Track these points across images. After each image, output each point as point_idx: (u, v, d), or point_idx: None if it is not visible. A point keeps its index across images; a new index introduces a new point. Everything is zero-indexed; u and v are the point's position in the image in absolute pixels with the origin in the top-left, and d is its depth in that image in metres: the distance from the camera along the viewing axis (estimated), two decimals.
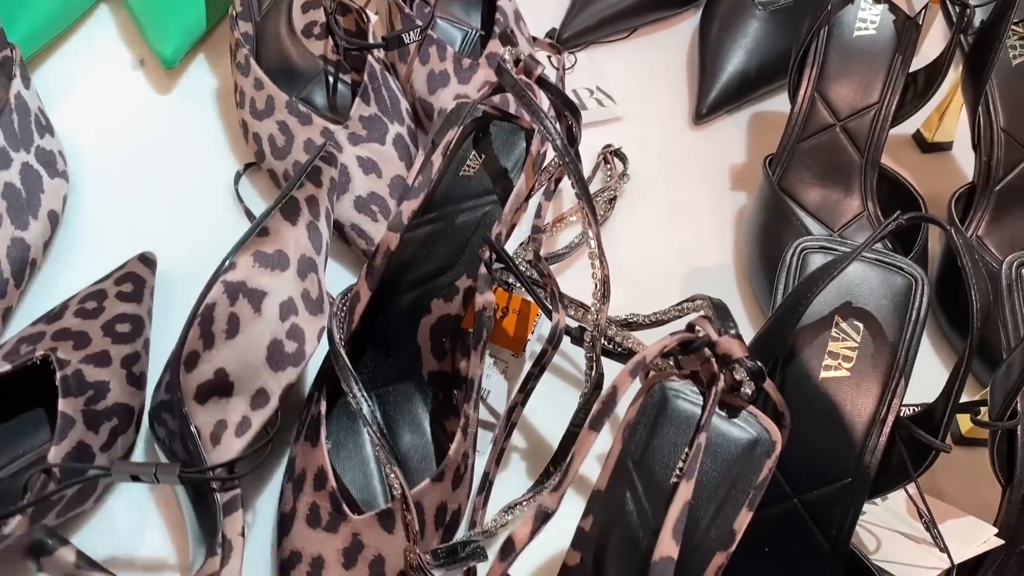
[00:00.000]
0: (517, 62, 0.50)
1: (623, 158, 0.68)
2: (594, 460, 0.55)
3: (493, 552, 0.40)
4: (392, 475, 0.47)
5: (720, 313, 0.44)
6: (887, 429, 0.47)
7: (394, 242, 0.50)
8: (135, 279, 0.58)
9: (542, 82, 0.51)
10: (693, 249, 0.65)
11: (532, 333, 0.56)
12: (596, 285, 0.49)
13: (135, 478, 0.45)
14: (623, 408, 0.42)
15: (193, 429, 0.47)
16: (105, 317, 0.54)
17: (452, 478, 0.48)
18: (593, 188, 0.67)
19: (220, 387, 0.47)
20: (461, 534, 0.51)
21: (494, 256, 0.49)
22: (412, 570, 0.46)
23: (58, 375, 0.48)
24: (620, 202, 0.67)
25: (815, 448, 0.48)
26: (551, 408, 0.56)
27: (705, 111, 0.72)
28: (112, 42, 0.73)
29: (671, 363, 0.43)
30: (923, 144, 0.74)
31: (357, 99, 0.63)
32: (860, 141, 0.63)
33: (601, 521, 0.42)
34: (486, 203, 0.52)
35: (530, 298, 0.50)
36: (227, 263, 0.48)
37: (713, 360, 0.41)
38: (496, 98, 0.54)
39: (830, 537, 0.47)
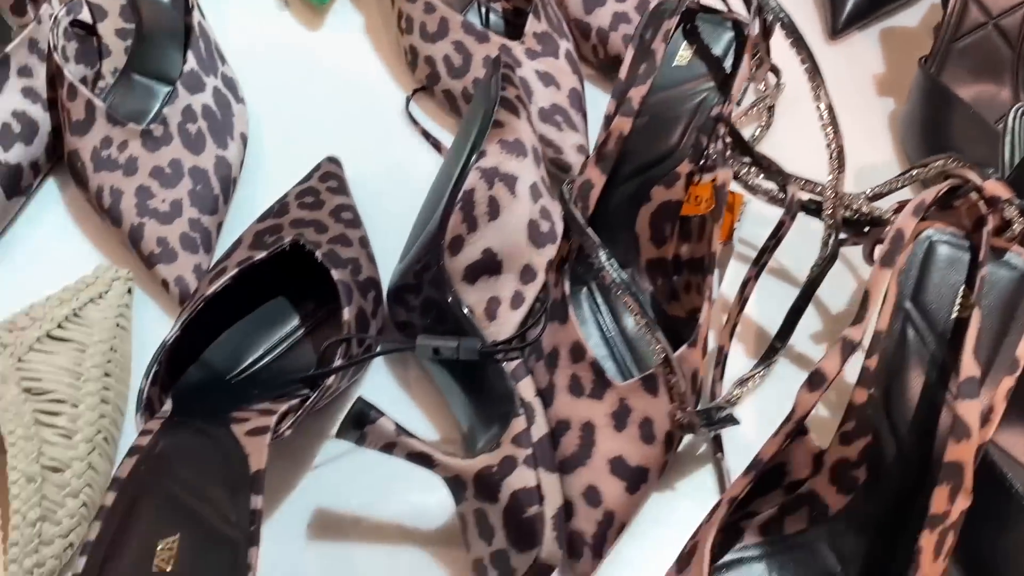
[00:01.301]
0: None
1: (776, 70, 0.70)
2: (808, 339, 0.57)
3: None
4: (655, 340, 0.48)
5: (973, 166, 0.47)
6: None
7: (627, 127, 0.52)
8: (334, 176, 0.60)
9: None
10: (853, 153, 0.67)
11: (739, 220, 0.58)
12: (831, 154, 0.51)
13: (435, 351, 0.46)
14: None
15: (465, 309, 0.48)
16: (328, 207, 0.56)
17: (701, 346, 0.50)
18: (748, 100, 0.70)
19: (489, 266, 0.49)
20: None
21: (726, 134, 0.51)
22: (679, 430, 0.49)
23: (319, 252, 0.50)
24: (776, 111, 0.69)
25: None
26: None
27: (840, 26, 0.74)
28: None
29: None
30: None
31: (530, 17, 0.65)
32: (1012, 37, 0.66)
33: (886, 358, 0.44)
34: (702, 90, 0.54)
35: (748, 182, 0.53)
36: (475, 152, 0.50)
37: (981, 203, 0.44)
38: None
39: None
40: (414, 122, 0.67)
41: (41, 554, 0.43)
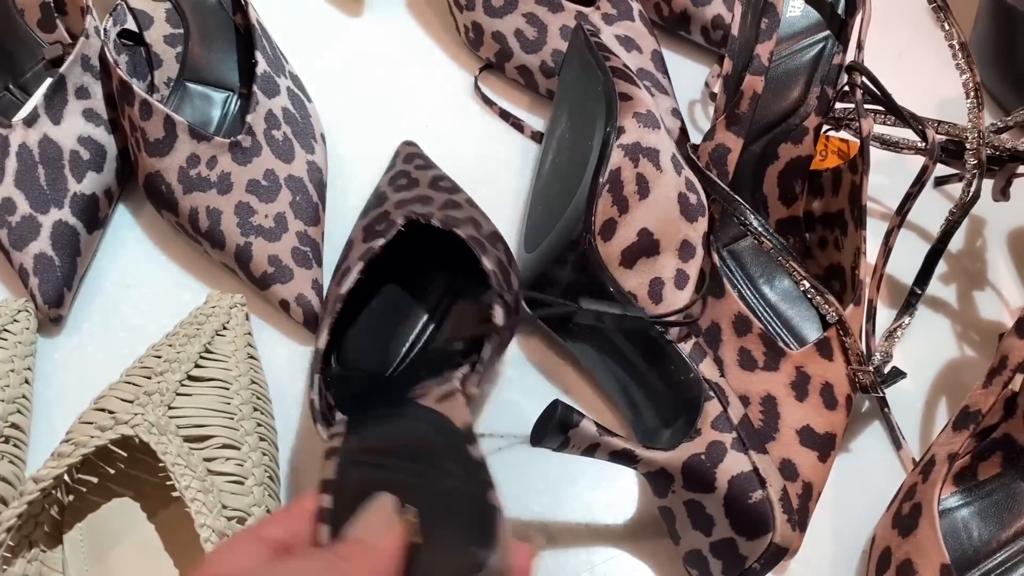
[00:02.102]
0: None
1: None
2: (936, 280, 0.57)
3: None
4: (825, 303, 0.47)
5: None
6: None
7: (759, 85, 0.50)
8: (418, 156, 0.58)
9: None
10: (931, 84, 0.67)
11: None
12: (968, 92, 0.50)
13: (598, 317, 0.44)
14: None
15: (628, 293, 0.46)
16: (424, 182, 0.53)
17: (865, 304, 0.49)
18: None
19: (646, 247, 0.47)
20: None
21: (861, 83, 0.50)
22: (860, 391, 0.48)
23: (434, 220, 0.47)
24: None
25: None
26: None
27: None
28: None
29: None
30: None
31: None
32: None
33: None
34: (819, 39, 0.53)
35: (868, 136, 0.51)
36: (612, 130, 0.47)
37: None
38: None
39: None
40: (488, 102, 0.64)
41: None
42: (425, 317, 0.51)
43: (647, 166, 0.47)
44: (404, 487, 0.35)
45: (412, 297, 0.51)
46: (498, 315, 0.43)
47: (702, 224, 0.48)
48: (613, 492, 0.49)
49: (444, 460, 0.37)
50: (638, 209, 0.46)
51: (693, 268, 0.47)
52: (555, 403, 0.40)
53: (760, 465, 0.41)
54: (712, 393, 0.43)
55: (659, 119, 0.49)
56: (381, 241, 0.46)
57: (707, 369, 0.44)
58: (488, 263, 0.44)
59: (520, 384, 0.51)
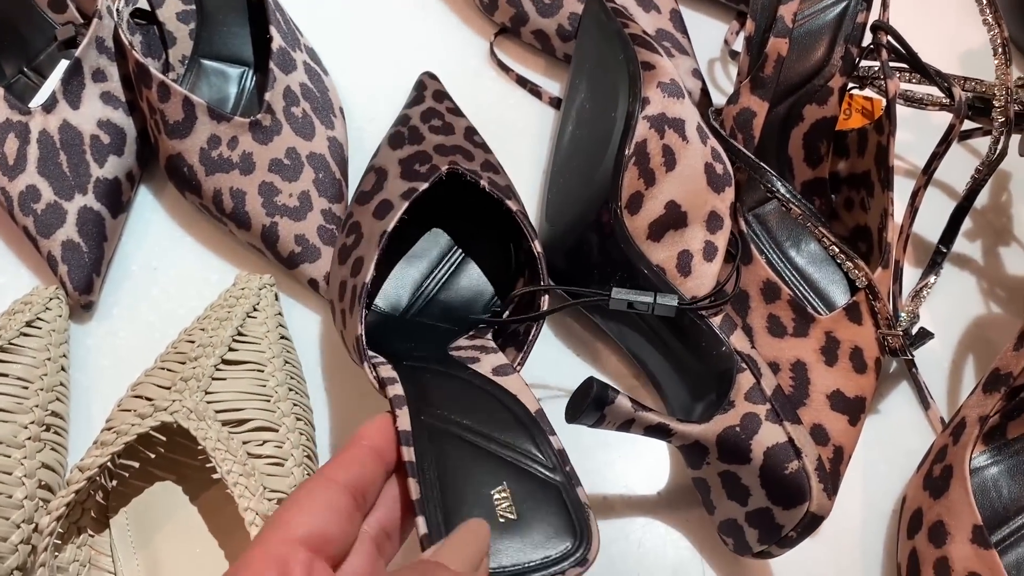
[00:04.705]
0: None
1: None
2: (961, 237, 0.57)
3: None
4: (854, 268, 0.47)
5: None
6: None
7: (784, 48, 0.49)
8: (445, 96, 0.58)
9: None
10: (954, 34, 0.66)
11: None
12: (996, 49, 0.49)
13: (630, 305, 0.44)
14: None
15: (656, 267, 0.46)
16: (459, 131, 0.54)
17: (893, 266, 0.49)
18: None
19: (674, 219, 0.46)
20: None
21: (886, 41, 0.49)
22: (888, 354, 0.48)
23: (483, 182, 0.47)
24: None
25: None
26: None
27: None
28: None
29: None
30: None
31: None
32: None
33: None
34: None
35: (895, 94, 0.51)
36: (636, 101, 0.47)
37: None
38: None
39: None
40: (504, 68, 0.63)
41: None
42: (434, 262, 0.51)
43: (673, 137, 0.46)
44: (487, 458, 0.36)
45: (426, 240, 0.52)
46: (545, 304, 0.44)
47: (729, 194, 0.47)
48: (647, 461, 0.49)
49: (525, 443, 0.38)
50: (665, 181, 0.46)
51: (721, 239, 0.47)
52: (590, 380, 0.40)
53: (795, 435, 0.42)
54: (744, 365, 0.43)
55: (683, 87, 0.48)
56: (424, 185, 0.46)
57: (738, 341, 0.44)
58: (537, 245, 0.46)
59: (546, 357, 0.52)
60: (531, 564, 0.33)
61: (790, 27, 0.49)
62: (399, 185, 0.48)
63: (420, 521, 0.34)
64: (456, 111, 0.57)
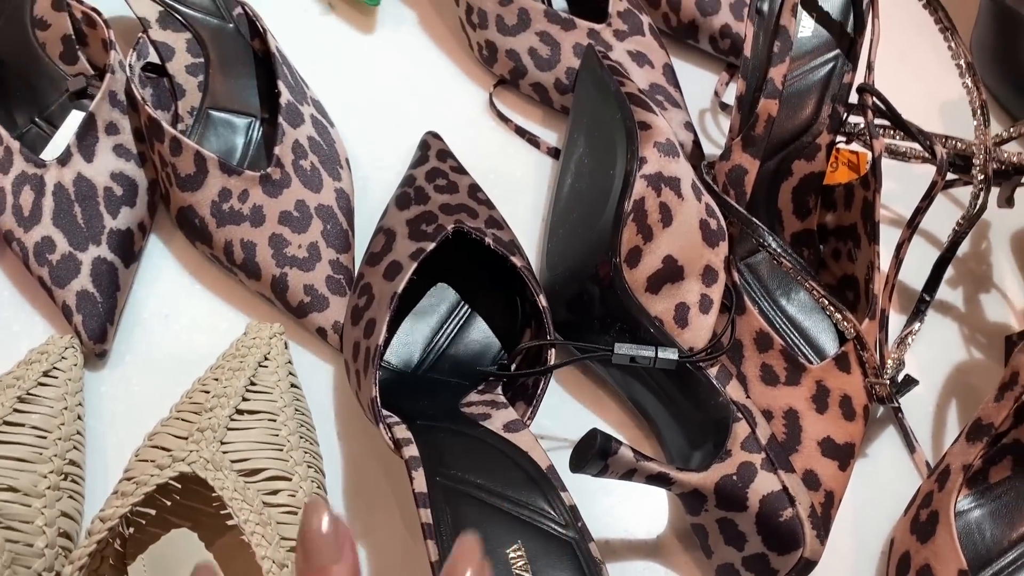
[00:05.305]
0: None
1: None
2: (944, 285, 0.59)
3: None
4: (843, 320, 0.49)
5: None
6: None
7: (774, 108, 0.52)
8: (448, 155, 0.60)
9: None
10: (933, 85, 0.69)
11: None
12: (975, 110, 0.52)
13: (632, 360, 0.46)
14: None
15: (655, 319, 0.48)
16: (463, 189, 0.56)
17: (879, 317, 0.51)
18: None
19: (671, 273, 0.49)
20: None
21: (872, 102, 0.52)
22: (876, 402, 0.50)
23: (488, 239, 0.50)
24: None
25: None
26: None
27: None
28: None
29: None
30: None
31: None
32: None
33: None
34: (830, 59, 0.54)
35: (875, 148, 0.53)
36: (634, 160, 0.49)
37: None
38: None
39: None
40: (503, 119, 0.66)
41: None
42: (442, 319, 0.53)
43: (669, 195, 0.49)
44: (500, 515, 0.37)
45: (432, 295, 0.54)
46: (552, 356, 0.47)
47: (723, 248, 0.50)
48: (647, 507, 0.51)
49: (537, 500, 0.39)
50: (662, 237, 0.48)
51: (716, 292, 0.49)
52: (594, 432, 0.42)
53: (789, 484, 0.44)
54: (740, 415, 0.46)
55: (678, 146, 0.50)
56: (431, 245, 0.48)
57: (734, 391, 0.47)
58: (543, 299, 0.48)
59: (550, 405, 0.53)
60: None
61: (780, 89, 0.51)
62: (407, 246, 0.50)
63: None
64: (460, 169, 0.59)
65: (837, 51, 0.54)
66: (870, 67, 0.52)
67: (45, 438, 0.47)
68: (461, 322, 0.54)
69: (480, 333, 0.54)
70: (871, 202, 0.51)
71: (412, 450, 0.41)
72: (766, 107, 0.51)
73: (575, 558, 0.37)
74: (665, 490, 0.48)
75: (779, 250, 0.49)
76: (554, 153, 0.64)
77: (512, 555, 0.37)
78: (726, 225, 0.51)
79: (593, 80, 0.57)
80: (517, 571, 0.36)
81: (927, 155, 0.56)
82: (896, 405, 0.50)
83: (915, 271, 0.57)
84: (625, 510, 0.51)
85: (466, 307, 0.54)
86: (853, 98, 0.54)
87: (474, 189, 0.57)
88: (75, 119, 0.60)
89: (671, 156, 0.49)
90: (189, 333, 0.56)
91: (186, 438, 0.46)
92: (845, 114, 0.53)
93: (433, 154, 0.59)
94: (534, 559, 0.37)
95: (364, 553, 0.49)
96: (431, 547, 0.36)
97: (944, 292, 0.59)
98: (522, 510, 0.39)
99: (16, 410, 0.47)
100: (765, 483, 0.44)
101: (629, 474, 0.43)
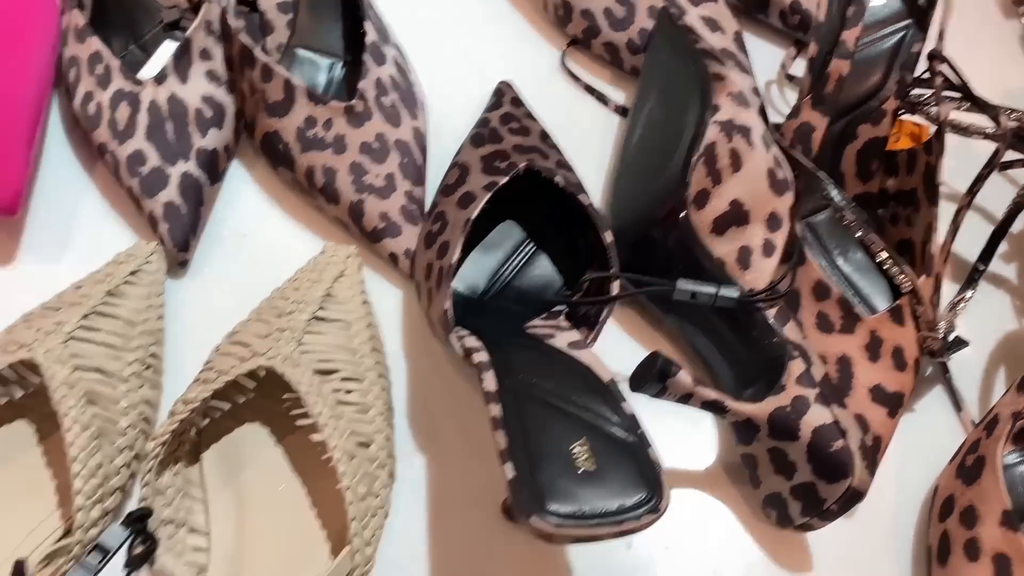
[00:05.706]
0: None
1: None
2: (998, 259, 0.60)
3: None
4: (900, 272, 0.51)
5: None
6: None
7: (845, 68, 0.53)
8: (521, 103, 0.62)
9: None
10: (997, 75, 0.70)
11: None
12: None
13: (693, 296, 0.48)
14: None
15: (717, 259, 0.50)
16: (535, 133, 0.58)
17: (935, 275, 0.53)
18: None
19: (737, 216, 0.50)
20: None
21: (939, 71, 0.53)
22: (927, 355, 0.51)
23: (558, 178, 0.51)
24: None
25: None
26: None
27: None
28: None
29: None
30: None
31: None
32: None
33: None
34: (901, 27, 0.56)
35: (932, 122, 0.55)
36: (707, 108, 0.51)
37: None
38: None
39: None
40: (574, 77, 0.68)
41: (371, 524, 0.45)
42: (509, 251, 0.55)
43: (740, 142, 0.50)
44: (566, 416, 0.39)
45: (500, 231, 0.56)
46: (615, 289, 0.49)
47: (789, 198, 0.51)
48: (693, 439, 0.53)
49: (600, 407, 0.41)
50: (730, 181, 0.50)
51: (780, 238, 0.51)
52: (655, 353, 0.44)
53: (840, 418, 0.45)
54: (796, 353, 0.47)
55: (750, 98, 0.52)
56: (504, 179, 0.51)
57: (791, 332, 0.48)
58: (608, 236, 0.50)
59: (604, 345, 0.55)
60: (609, 511, 0.37)
61: (852, 50, 0.53)
62: (481, 179, 0.52)
63: (508, 467, 0.38)
64: (531, 116, 0.61)
65: (908, 21, 0.56)
66: (941, 35, 0.54)
67: (131, 329, 0.50)
68: (526, 258, 0.56)
69: (544, 269, 0.56)
70: (933, 166, 0.53)
71: (482, 356, 0.43)
72: (838, 67, 0.53)
73: (635, 458, 0.39)
74: (718, 418, 0.50)
75: (842, 203, 0.51)
76: (622, 111, 0.66)
77: (577, 449, 0.39)
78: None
79: (668, 38, 0.59)
80: (581, 462, 0.38)
81: (989, 131, 0.57)
82: (945, 361, 0.52)
83: (971, 242, 0.58)
84: (675, 440, 0.52)
85: (532, 244, 0.56)
86: (919, 70, 0.56)
87: (544, 135, 0.59)
88: (167, 48, 0.63)
89: (743, 106, 0.51)
90: (265, 252, 0.58)
91: (266, 336, 0.48)
92: (911, 82, 0.55)
93: (507, 100, 0.62)
94: (598, 454, 0.39)
95: (424, 460, 0.51)
96: (500, 436, 0.38)
97: (998, 266, 0.60)
98: (587, 413, 0.41)
99: (105, 302, 0.50)
100: (818, 415, 0.45)
101: (686, 398, 0.45)
